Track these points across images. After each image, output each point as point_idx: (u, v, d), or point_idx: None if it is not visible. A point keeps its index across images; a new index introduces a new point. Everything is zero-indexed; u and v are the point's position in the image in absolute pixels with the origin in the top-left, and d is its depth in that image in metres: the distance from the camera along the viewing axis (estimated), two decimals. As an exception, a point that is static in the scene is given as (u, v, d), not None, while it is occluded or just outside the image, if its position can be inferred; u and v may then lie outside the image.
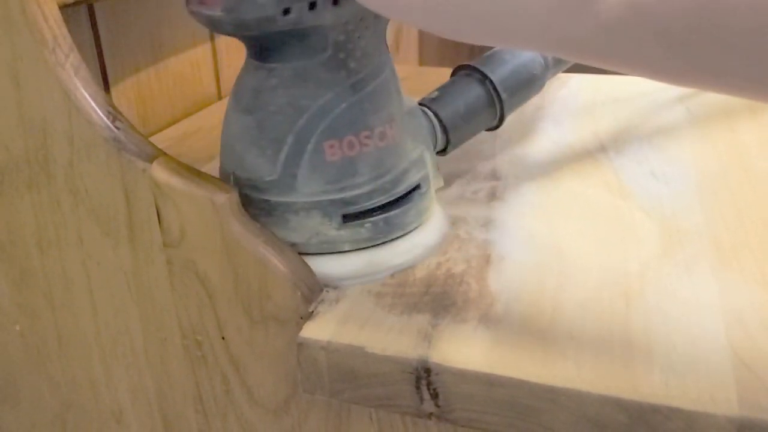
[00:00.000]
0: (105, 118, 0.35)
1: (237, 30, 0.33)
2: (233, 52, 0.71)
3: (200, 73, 0.67)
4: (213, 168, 0.53)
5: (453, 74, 0.46)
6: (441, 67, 0.90)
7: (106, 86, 0.56)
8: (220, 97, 0.70)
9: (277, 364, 0.37)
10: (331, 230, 0.36)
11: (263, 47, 0.34)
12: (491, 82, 0.44)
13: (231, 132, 0.37)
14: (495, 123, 0.45)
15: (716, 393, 0.28)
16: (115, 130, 0.35)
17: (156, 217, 0.35)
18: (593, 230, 0.41)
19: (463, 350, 0.32)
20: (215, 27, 0.33)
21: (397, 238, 0.38)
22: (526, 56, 0.46)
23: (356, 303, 0.35)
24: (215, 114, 0.65)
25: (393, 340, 0.33)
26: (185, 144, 0.58)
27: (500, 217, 0.43)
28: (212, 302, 0.36)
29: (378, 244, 0.37)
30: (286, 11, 0.32)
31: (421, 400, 0.32)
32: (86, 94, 0.35)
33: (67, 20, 0.36)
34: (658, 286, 0.35)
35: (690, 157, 0.50)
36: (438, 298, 0.35)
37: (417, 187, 0.38)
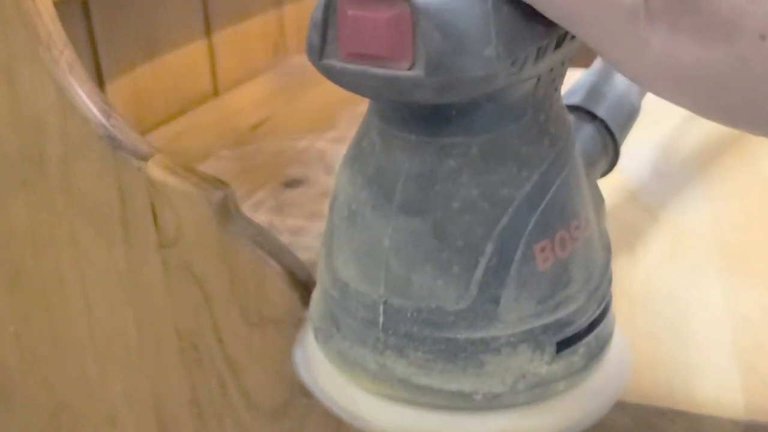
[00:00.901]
0: (100, 116, 0.35)
1: (438, 96, 0.22)
2: (230, 47, 0.71)
3: (196, 69, 0.67)
4: (209, 166, 0.52)
5: None
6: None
7: (101, 83, 0.56)
8: (216, 94, 0.70)
9: (274, 366, 0.36)
10: (543, 366, 0.25)
11: (435, 115, 0.24)
12: (602, 121, 0.34)
13: (376, 241, 0.25)
14: (606, 169, 0.35)
15: (722, 396, 0.28)
16: (110, 127, 0.35)
17: (151, 217, 0.35)
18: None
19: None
20: (396, 92, 0.22)
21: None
22: (622, 84, 0.36)
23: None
24: (211, 111, 0.65)
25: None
26: (181, 142, 0.58)
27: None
28: (208, 304, 0.36)
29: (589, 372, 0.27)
30: (513, 63, 0.22)
31: (422, 403, 0.32)
32: (81, 92, 0.35)
33: (61, 16, 0.35)
34: (663, 289, 0.35)
35: (696, 159, 0.50)
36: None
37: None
